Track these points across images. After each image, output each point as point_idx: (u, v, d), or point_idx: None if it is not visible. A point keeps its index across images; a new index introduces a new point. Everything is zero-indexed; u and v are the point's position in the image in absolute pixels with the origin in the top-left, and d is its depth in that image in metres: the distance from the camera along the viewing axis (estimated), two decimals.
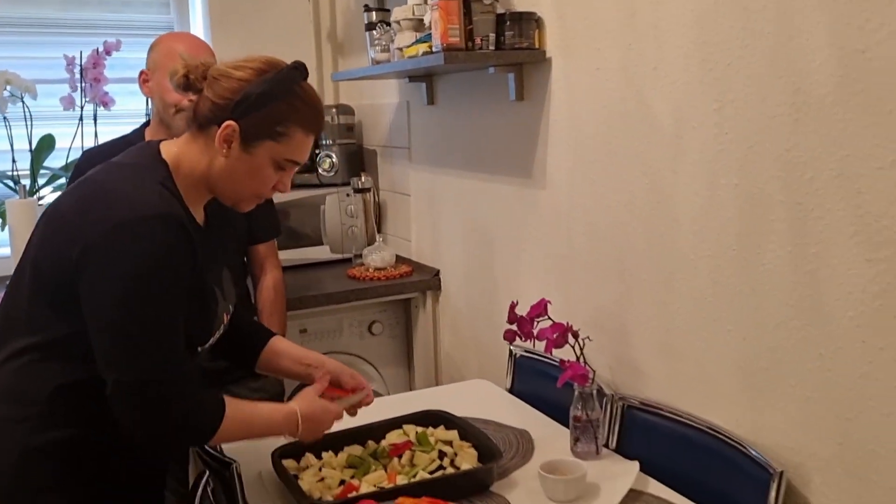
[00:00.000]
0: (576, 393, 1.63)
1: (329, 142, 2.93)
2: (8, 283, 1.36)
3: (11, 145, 2.68)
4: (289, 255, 2.72)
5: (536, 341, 1.70)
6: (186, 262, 1.25)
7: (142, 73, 2.00)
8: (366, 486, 1.45)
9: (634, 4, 1.63)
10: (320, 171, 2.92)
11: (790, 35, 1.30)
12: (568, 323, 1.67)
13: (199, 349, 1.39)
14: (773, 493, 1.33)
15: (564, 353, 1.66)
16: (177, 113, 1.85)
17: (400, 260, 2.76)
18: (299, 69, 1.32)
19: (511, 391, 2.07)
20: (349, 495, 1.41)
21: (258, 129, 1.28)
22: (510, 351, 2.09)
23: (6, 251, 2.65)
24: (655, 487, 1.50)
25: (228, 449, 1.56)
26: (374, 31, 2.38)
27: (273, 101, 1.28)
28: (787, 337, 1.37)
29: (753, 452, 1.40)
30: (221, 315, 1.44)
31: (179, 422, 1.25)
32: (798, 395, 1.37)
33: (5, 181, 2.71)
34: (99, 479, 1.28)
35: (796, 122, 1.30)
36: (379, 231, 2.92)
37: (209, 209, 1.41)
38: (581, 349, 1.67)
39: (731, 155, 1.44)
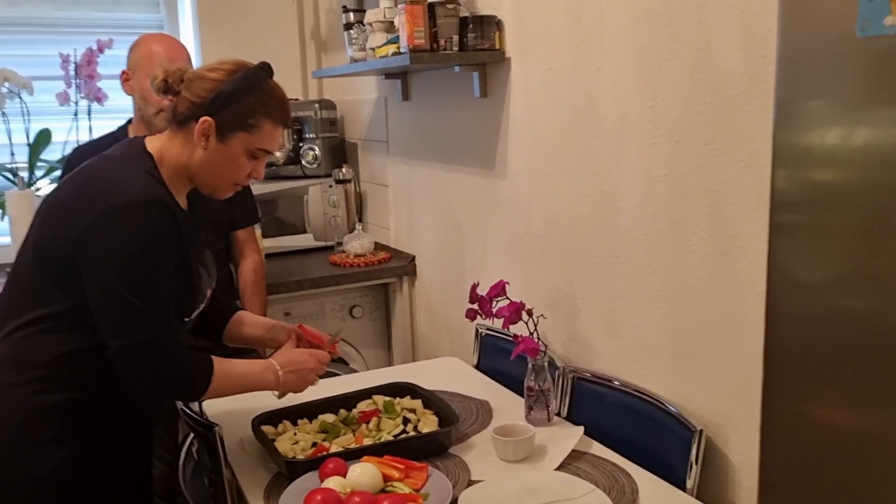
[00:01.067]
0: (529, 365, 1.79)
1: (312, 135, 3.08)
2: (10, 268, 1.51)
3: (10, 139, 2.82)
4: (274, 243, 2.89)
5: (495, 319, 1.86)
6: (173, 240, 1.41)
7: (123, 72, 2.15)
8: (335, 448, 1.61)
9: (581, 10, 1.78)
10: (304, 163, 3.06)
11: (708, 41, 1.46)
12: (522, 302, 1.82)
13: (186, 319, 1.55)
14: (693, 450, 1.50)
15: (522, 330, 1.82)
16: (157, 114, 2.01)
17: (379, 247, 2.92)
18: (265, 68, 1.48)
19: (477, 367, 2.23)
20: (319, 455, 1.57)
21: (231, 122, 1.44)
22: (476, 330, 2.26)
23: (6, 240, 2.79)
24: (598, 449, 1.66)
25: (212, 415, 1.72)
26: (352, 31, 2.52)
27: (243, 97, 1.43)
28: (708, 311, 1.53)
29: (679, 414, 1.57)
30: (205, 290, 1.59)
31: (175, 378, 1.42)
32: (717, 364, 1.53)
33: (4, 173, 2.85)
34: (94, 435, 1.44)
35: (714, 118, 1.46)
36: (360, 220, 3.08)
37: (190, 198, 1.56)
38: (535, 325, 1.82)
39: (661, 148, 1.60)
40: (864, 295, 0.76)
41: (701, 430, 1.50)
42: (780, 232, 0.78)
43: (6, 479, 1.38)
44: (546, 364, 1.78)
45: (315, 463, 1.51)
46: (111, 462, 1.48)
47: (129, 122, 2.22)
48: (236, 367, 1.54)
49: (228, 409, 1.73)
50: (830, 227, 0.75)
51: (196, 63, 3.13)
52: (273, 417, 1.73)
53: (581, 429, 1.71)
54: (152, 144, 1.49)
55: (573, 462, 1.59)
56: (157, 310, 1.38)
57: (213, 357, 1.48)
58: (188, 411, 1.71)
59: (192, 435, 1.66)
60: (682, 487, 1.50)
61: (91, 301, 1.36)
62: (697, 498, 1.47)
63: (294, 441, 1.65)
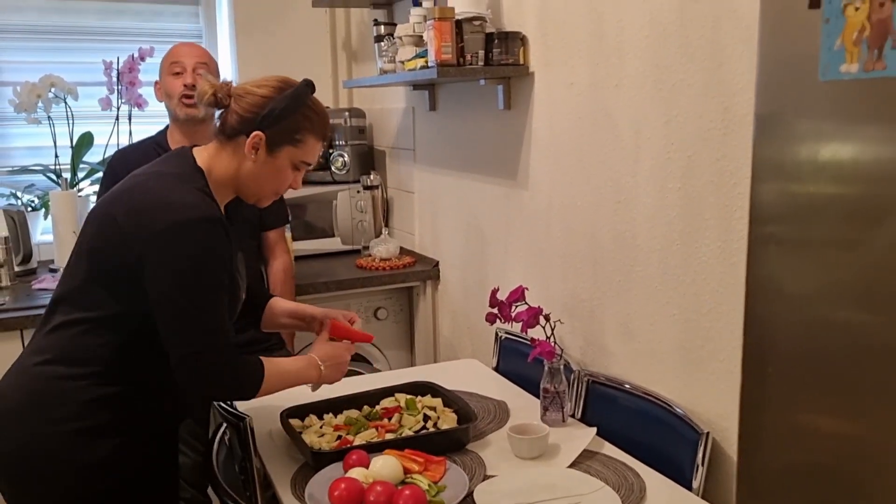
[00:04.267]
0: (545, 368, 1.86)
1: (342, 143, 3.18)
2: (64, 266, 1.60)
3: (55, 142, 2.97)
4: (303, 246, 2.99)
5: (514, 323, 1.95)
6: (227, 254, 1.49)
7: (155, 83, 2.31)
8: (358, 441, 1.70)
9: (601, 29, 1.86)
10: (333, 169, 3.17)
11: (720, 62, 1.53)
12: (540, 307, 1.90)
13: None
14: (700, 451, 1.57)
15: (539, 334, 1.90)
16: (178, 101, 2.21)
17: (404, 252, 3.01)
18: (310, 86, 1.57)
19: (496, 369, 2.31)
20: (343, 447, 1.66)
21: (280, 137, 1.53)
22: (496, 334, 2.34)
23: (49, 237, 2.93)
24: (610, 449, 1.73)
25: (242, 408, 1.82)
26: (382, 43, 2.62)
27: (292, 114, 1.53)
28: (717, 319, 1.60)
29: (686, 417, 1.64)
30: (241, 295, 1.68)
31: (231, 382, 1.51)
32: (724, 370, 1.60)
33: (48, 175, 2.99)
34: (140, 424, 1.53)
35: (724, 135, 1.53)
36: (386, 225, 3.17)
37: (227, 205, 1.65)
38: (552, 330, 1.90)
39: (675, 163, 1.67)
40: (847, 305, 0.82)
41: (707, 433, 1.57)
42: (763, 243, 0.86)
43: (63, 464, 1.47)
44: (562, 367, 1.86)
45: (340, 455, 1.60)
46: (153, 449, 1.58)
47: (167, 127, 2.34)
48: (283, 366, 1.62)
49: (257, 404, 1.83)
50: (814, 239, 0.83)
51: (229, 67, 3.26)
52: (300, 411, 1.83)
53: (593, 430, 1.79)
54: (200, 157, 1.57)
55: (585, 461, 1.67)
56: (215, 320, 1.46)
57: (263, 358, 1.56)
58: (221, 403, 1.81)
59: (224, 424, 1.75)
60: (689, 487, 1.57)
61: (154, 311, 1.44)
62: (703, 498, 1.54)
63: (320, 434, 1.75)
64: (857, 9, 0.67)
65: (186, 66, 2.23)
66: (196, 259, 1.43)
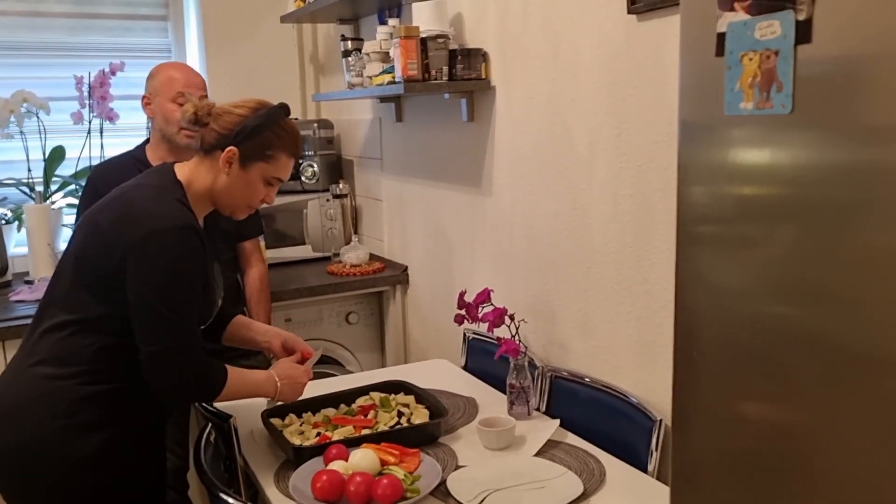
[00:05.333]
0: (511, 365, 1.98)
1: (311, 153, 3.27)
2: (52, 274, 1.70)
3: (27, 156, 3.02)
4: (275, 254, 3.08)
5: (481, 323, 2.07)
6: (201, 260, 1.61)
7: (143, 97, 2.35)
8: (337, 437, 1.81)
9: (558, 46, 2.00)
10: (303, 178, 3.26)
11: (665, 80, 1.67)
12: (505, 308, 2.03)
13: (202, 327, 1.74)
14: (654, 437, 1.70)
15: (505, 333, 2.02)
16: (179, 131, 2.22)
17: (373, 258, 3.12)
18: (283, 108, 1.71)
19: (465, 368, 2.43)
20: (323, 443, 1.76)
21: (253, 152, 1.65)
22: (464, 334, 2.46)
23: (24, 250, 2.98)
24: (572, 439, 1.86)
25: (225, 409, 1.91)
26: (350, 58, 2.73)
27: (264, 131, 1.65)
28: (668, 315, 1.74)
29: (641, 406, 1.78)
30: (217, 300, 1.80)
31: (193, 383, 1.62)
32: None
33: (21, 188, 3.04)
34: (127, 421, 1.63)
35: (670, 146, 1.67)
36: (355, 232, 3.27)
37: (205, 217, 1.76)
38: (517, 329, 2.02)
39: (627, 171, 1.81)
40: (763, 298, 0.94)
41: (661, 420, 1.70)
42: (689, 242, 0.99)
43: (54, 460, 1.56)
44: (526, 364, 1.98)
45: (320, 450, 1.71)
46: (139, 446, 1.68)
47: (146, 141, 2.41)
48: (245, 376, 1.75)
49: (237, 405, 1.92)
50: (729, 237, 0.96)
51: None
52: (280, 411, 1.92)
53: (557, 421, 1.91)
54: (181, 171, 1.69)
55: (550, 450, 1.79)
56: (184, 322, 1.58)
57: (227, 366, 1.68)
58: (205, 405, 1.90)
59: (209, 425, 1.85)
60: (645, 470, 1.70)
61: (131, 312, 1.56)
62: (658, 479, 1.68)
63: (300, 432, 1.85)
64: (750, 59, 0.82)
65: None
66: (171, 264, 1.55)
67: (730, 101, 0.88)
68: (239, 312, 2.10)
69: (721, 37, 0.90)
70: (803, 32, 0.81)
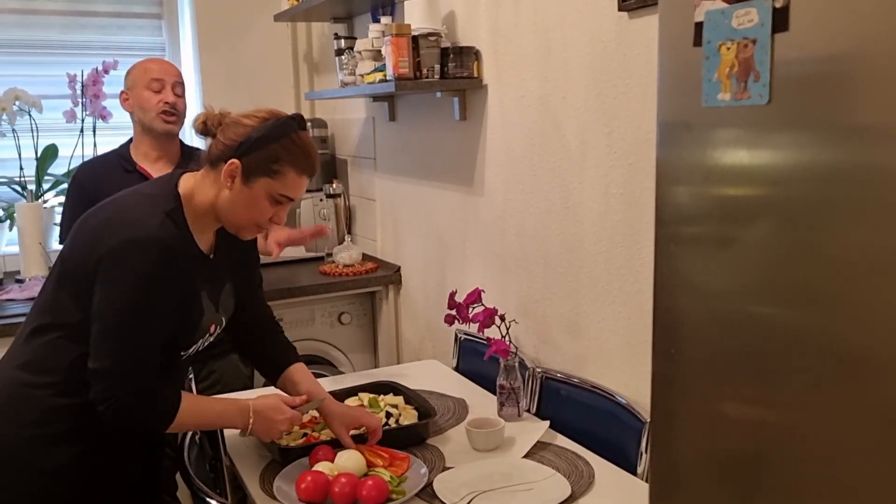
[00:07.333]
0: (501, 366, 1.97)
1: None
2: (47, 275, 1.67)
3: (19, 154, 3.00)
4: None
5: (472, 324, 2.05)
6: (169, 280, 1.48)
7: (122, 93, 2.34)
8: (323, 438, 1.79)
9: (549, 45, 1.98)
10: None
11: (655, 78, 1.65)
12: (495, 308, 2.01)
13: (182, 354, 1.61)
14: (644, 438, 1.68)
15: (495, 334, 2.00)
16: (157, 115, 2.23)
17: (366, 258, 3.10)
18: (296, 119, 1.55)
19: (456, 369, 2.41)
20: (309, 443, 1.75)
21: (257, 166, 1.50)
22: (456, 335, 2.44)
23: (15, 249, 2.96)
24: (562, 440, 1.84)
25: None
26: (343, 57, 2.72)
27: (270, 143, 1.50)
28: None
29: (630, 407, 1.76)
30: (207, 326, 1.63)
31: (134, 408, 1.48)
32: None
33: (13, 186, 3.02)
34: (100, 435, 1.55)
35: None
36: (348, 232, 3.26)
37: (220, 233, 1.65)
38: (507, 329, 2.01)
39: (617, 170, 1.79)
40: (744, 298, 0.92)
41: (650, 421, 1.68)
42: (667, 241, 0.97)
43: (21, 470, 1.52)
44: (517, 364, 1.96)
45: (306, 450, 1.69)
46: (115, 459, 1.61)
47: (131, 140, 2.39)
48: (205, 405, 1.64)
49: None
50: (705, 236, 0.94)
51: (193, 80, 3.32)
52: None
53: (546, 423, 1.89)
54: (185, 183, 1.57)
55: (538, 452, 1.77)
56: (137, 342, 1.47)
57: (185, 393, 1.56)
58: None
59: None
60: (634, 472, 1.68)
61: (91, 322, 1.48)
62: (647, 482, 1.65)
63: (287, 432, 1.83)
64: (728, 48, 0.80)
65: (166, 84, 2.28)
66: (134, 281, 1.45)
67: (707, 92, 0.86)
68: (294, 358, 1.86)
69: (699, 26, 0.88)
70: (780, 20, 0.79)
